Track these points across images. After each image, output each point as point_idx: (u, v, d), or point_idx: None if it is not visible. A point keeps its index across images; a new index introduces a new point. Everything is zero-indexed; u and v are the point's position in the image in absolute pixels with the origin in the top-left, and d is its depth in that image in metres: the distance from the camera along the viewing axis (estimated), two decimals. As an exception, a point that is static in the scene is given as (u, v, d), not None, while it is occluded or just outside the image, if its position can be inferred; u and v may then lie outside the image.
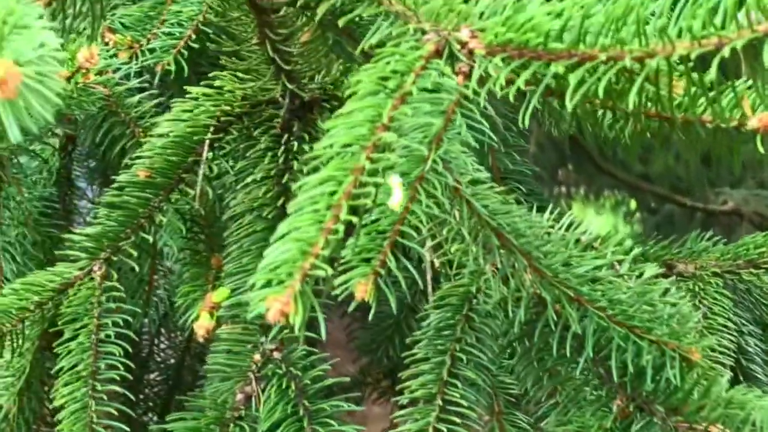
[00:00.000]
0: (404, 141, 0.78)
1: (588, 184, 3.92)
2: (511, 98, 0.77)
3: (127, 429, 1.11)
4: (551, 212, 1.18)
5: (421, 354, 1.09)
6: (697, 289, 1.37)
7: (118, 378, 1.12)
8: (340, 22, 0.86)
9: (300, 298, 0.72)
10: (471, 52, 0.80)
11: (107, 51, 1.42)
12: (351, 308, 0.92)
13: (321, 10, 0.88)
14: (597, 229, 1.21)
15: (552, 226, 1.18)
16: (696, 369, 1.01)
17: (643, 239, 1.46)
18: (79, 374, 1.11)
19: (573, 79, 0.74)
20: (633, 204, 3.86)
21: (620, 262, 1.17)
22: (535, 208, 1.20)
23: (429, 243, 1.17)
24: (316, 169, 0.77)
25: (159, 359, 1.81)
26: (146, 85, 1.41)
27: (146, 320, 1.48)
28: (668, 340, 1.00)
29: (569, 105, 0.74)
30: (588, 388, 1.04)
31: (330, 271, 0.73)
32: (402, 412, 1.06)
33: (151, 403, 1.76)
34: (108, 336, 1.12)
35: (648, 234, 3.75)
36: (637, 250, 1.19)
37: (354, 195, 0.75)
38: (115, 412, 1.10)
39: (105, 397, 1.10)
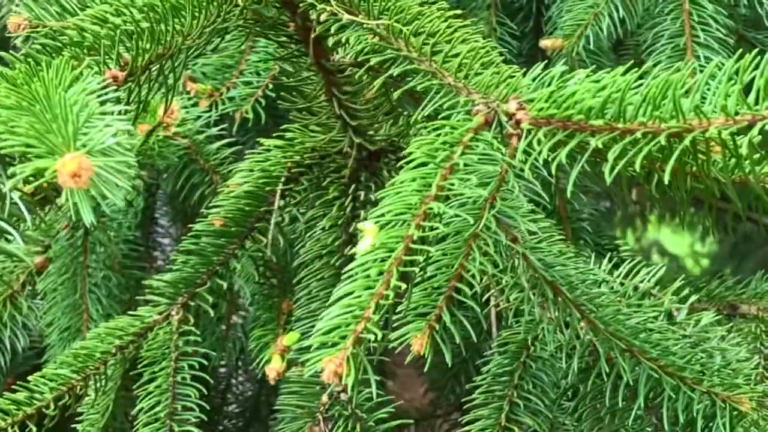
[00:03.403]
0: (452, 211, 0.82)
1: (663, 203, 3.89)
2: (553, 170, 0.81)
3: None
4: (611, 259, 1.21)
5: (480, 399, 1.13)
6: (758, 331, 1.39)
7: (194, 419, 1.17)
8: (394, 95, 0.92)
9: (352, 360, 0.78)
10: (518, 123, 0.85)
11: (188, 99, 1.50)
12: (407, 360, 0.97)
13: (378, 83, 0.94)
14: (658, 272, 1.23)
15: (611, 273, 1.22)
16: (747, 418, 1.04)
17: (707, 278, 1.48)
18: (157, 415, 1.17)
19: (611, 154, 0.78)
20: (709, 223, 3.80)
21: (678, 309, 1.20)
22: (593, 255, 1.24)
23: (494, 287, 1.21)
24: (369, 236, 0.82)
25: (237, 392, 1.88)
26: (224, 132, 1.48)
27: (223, 354, 1.54)
28: (719, 390, 1.03)
29: (608, 177, 0.78)
30: (641, 435, 1.08)
31: (380, 334, 0.78)
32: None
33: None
34: (184, 378, 1.19)
35: (724, 253, 3.71)
36: (694, 297, 1.22)
37: (405, 262, 0.80)
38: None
39: (182, 438, 1.16)
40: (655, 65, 1.38)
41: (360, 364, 0.78)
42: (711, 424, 1.02)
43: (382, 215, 0.82)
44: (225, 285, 1.24)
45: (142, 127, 1.30)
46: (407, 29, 0.91)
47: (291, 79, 1.18)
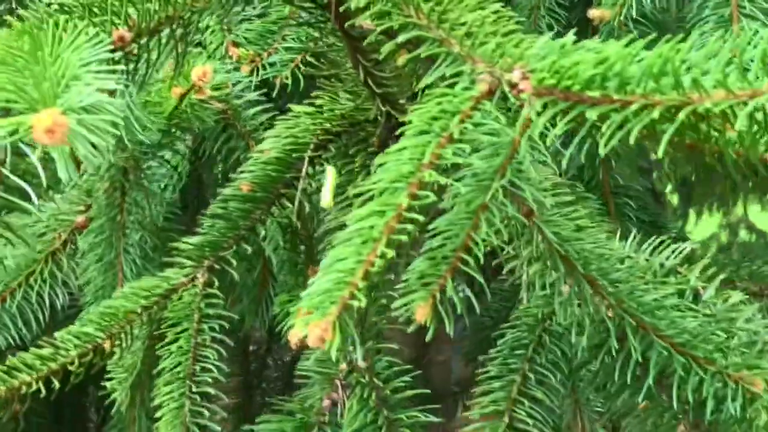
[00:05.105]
0: (448, 180, 0.82)
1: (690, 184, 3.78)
2: (548, 142, 0.80)
3: (218, 429, 1.18)
4: (635, 236, 1.19)
5: (493, 372, 1.13)
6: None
7: (210, 380, 1.19)
8: (399, 62, 0.91)
9: (338, 326, 0.78)
10: (520, 93, 0.84)
11: (230, 64, 1.51)
12: (410, 329, 0.96)
13: (386, 49, 0.93)
14: (684, 250, 1.20)
15: (636, 251, 1.20)
16: (760, 400, 1.02)
17: (739, 259, 1.45)
18: (177, 375, 1.19)
19: (607, 126, 0.76)
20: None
21: (704, 287, 1.18)
22: (635, 232, 1.22)
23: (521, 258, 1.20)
24: (365, 203, 0.82)
25: (276, 356, 1.89)
26: (262, 98, 1.49)
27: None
28: (732, 371, 1.01)
29: (602, 150, 0.77)
30: (653, 414, 1.06)
31: (365, 301, 0.78)
32: (470, 427, 1.11)
33: (268, 398, 1.85)
34: (205, 340, 1.20)
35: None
36: (722, 276, 1.19)
37: (396, 230, 0.80)
38: (207, 412, 1.17)
39: (199, 398, 1.17)
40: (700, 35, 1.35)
41: (346, 331, 0.78)
42: (722, 405, 1.00)
43: (378, 181, 0.81)
44: (250, 249, 1.25)
45: (175, 91, 1.31)
46: (417, -5, 0.90)
47: (318, 45, 1.18)
